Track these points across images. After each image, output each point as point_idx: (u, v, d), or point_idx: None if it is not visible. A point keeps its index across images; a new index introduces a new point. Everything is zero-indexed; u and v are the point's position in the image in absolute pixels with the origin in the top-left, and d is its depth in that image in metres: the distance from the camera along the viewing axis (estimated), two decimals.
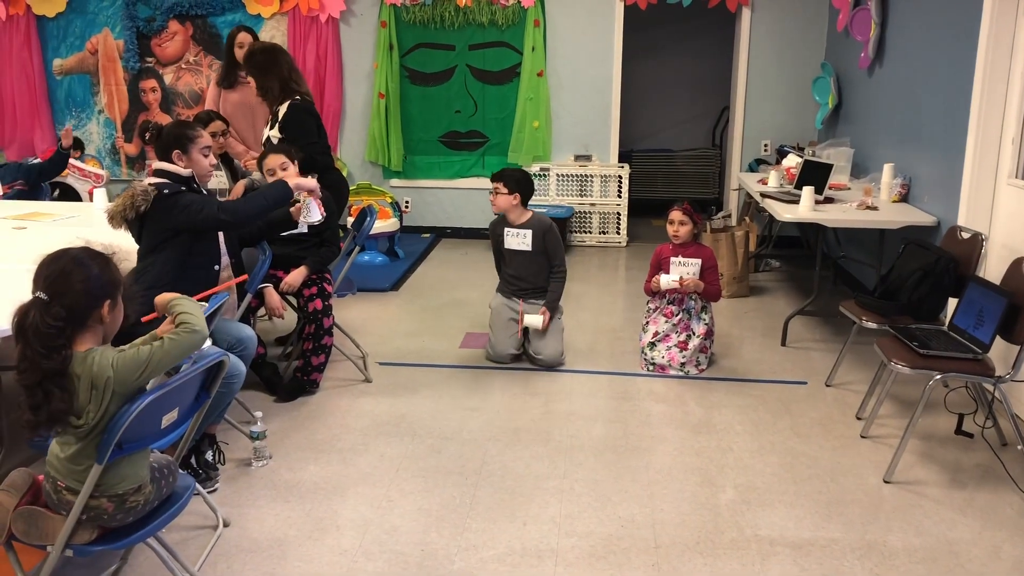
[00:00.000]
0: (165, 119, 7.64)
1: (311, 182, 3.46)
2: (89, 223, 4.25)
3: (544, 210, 7.03)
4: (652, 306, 4.62)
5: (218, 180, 4.95)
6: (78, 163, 7.11)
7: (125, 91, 7.67)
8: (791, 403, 4.08)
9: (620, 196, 7.43)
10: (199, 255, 3.23)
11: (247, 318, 3.82)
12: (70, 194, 5.98)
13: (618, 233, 7.49)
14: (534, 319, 4.44)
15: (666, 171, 9.03)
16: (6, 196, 5.04)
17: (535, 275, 4.57)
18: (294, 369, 4.16)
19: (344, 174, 7.43)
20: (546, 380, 4.36)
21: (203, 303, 2.38)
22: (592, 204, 7.45)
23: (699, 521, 3.04)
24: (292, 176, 3.92)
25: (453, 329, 5.15)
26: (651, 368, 4.48)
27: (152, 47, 7.59)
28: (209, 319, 2.81)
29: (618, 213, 7.45)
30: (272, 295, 3.99)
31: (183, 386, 2.12)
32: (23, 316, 1.94)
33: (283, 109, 4.53)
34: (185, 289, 3.18)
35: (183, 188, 3.18)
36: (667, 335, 4.49)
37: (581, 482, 3.31)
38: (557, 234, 4.59)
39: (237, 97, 5.35)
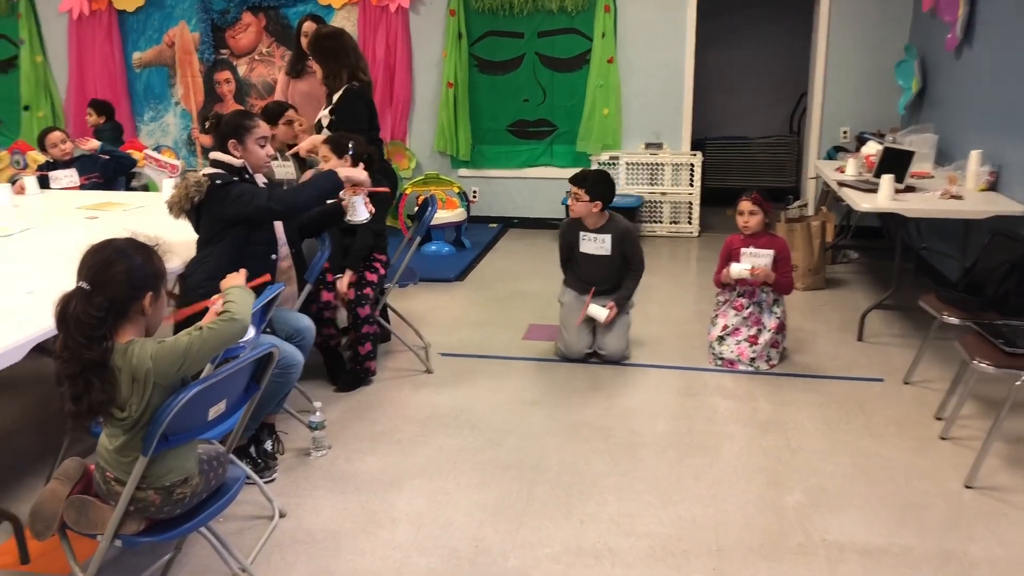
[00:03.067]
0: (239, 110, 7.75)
1: (361, 174, 3.41)
2: (157, 212, 4.31)
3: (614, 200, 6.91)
4: (722, 299, 4.47)
5: (286, 170, 4.98)
6: (154, 154, 7.26)
7: (200, 83, 7.81)
8: (866, 401, 3.90)
9: (692, 185, 7.25)
10: (256, 244, 3.23)
11: (307, 308, 3.82)
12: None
13: (690, 223, 7.31)
14: (599, 311, 4.34)
15: (741, 159, 8.79)
16: (83, 187, 5.17)
17: (610, 278, 4.45)
18: (348, 360, 4.15)
19: (412, 164, 7.47)
20: (610, 374, 4.27)
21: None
22: (663, 193, 7.29)
23: (764, 523, 2.91)
24: (340, 166, 3.91)
25: (517, 320, 5.09)
26: (719, 363, 4.35)
27: (226, 39, 7.70)
28: (266, 308, 2.80)
29: (690, 203, 7.28)
30: (343, 286, 3.99)
31: (231, 378, 2.10)
32: (65, 305, 1.94)
33: (338, 94, 4.53)
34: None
35: (235, 179, 3.18)
36: (737, 329, 4.34)
37: (642, 480, 3.21)
38: (636, 235, 4.48)
39: (305, 87, 5.37)
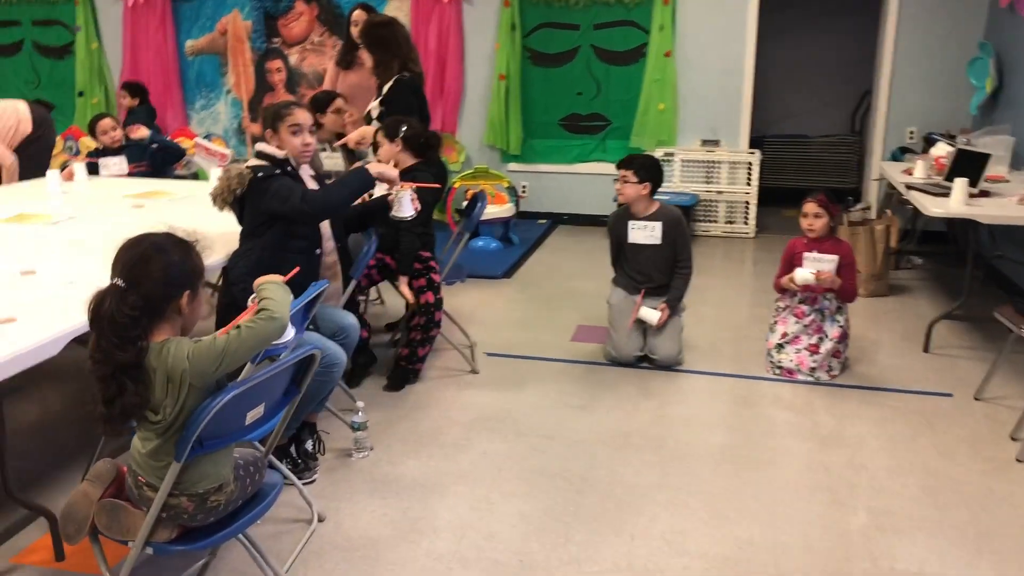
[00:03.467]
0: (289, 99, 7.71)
1: (391, 171, 3.28)
2: (203, 202, 4.24)
3: (667, 197, 6.73)
4: (781, 305, 4.28)
5: (334, 161, 4.91)
6: (204, 142, 7.24)
7: (252, 71, 7.78)
8: (934, 417, 3.69)
9: (749, 184, 7.03)
10: (299, 239, 3.13)
11: (353, 304, 3.72)
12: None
13: (746, 223, 7.10)
14: (650, 313, 4.18)
15: (800, 158, 8.53)
16: (131, 175, 5.13)
17: (662, 271, 4.28)
18: (398, 358, 4.04)
19: (461, 158, 7.35)
20: (662, 380, 4.11)
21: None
22: (719, 192, 7.08)
23: (827, 547, 2.74)
24: (392, 152, 3.81)
25: (565, 321, 4.94)
26: (778, 372, 4.16)
27: (279, 27, 7.66)
28: (308, 307, 2.70)
29: (746, 202, 7.06)
30: (405, 288, 3.89)
31: (270, 381, 1.99)
32: (99, 304, 1.84)
33: (389, 84, 4.44)
34: (287, 273, 3.12)
35: (277, 171, 3.08)
36: (797, 337, 4.15)
37: (696, 495, 3.05)
38: (686, 227, 4.33)
39: (355, 78, 5.29)
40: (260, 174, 3.06)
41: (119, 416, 1.82)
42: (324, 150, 4.89)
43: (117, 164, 5.09)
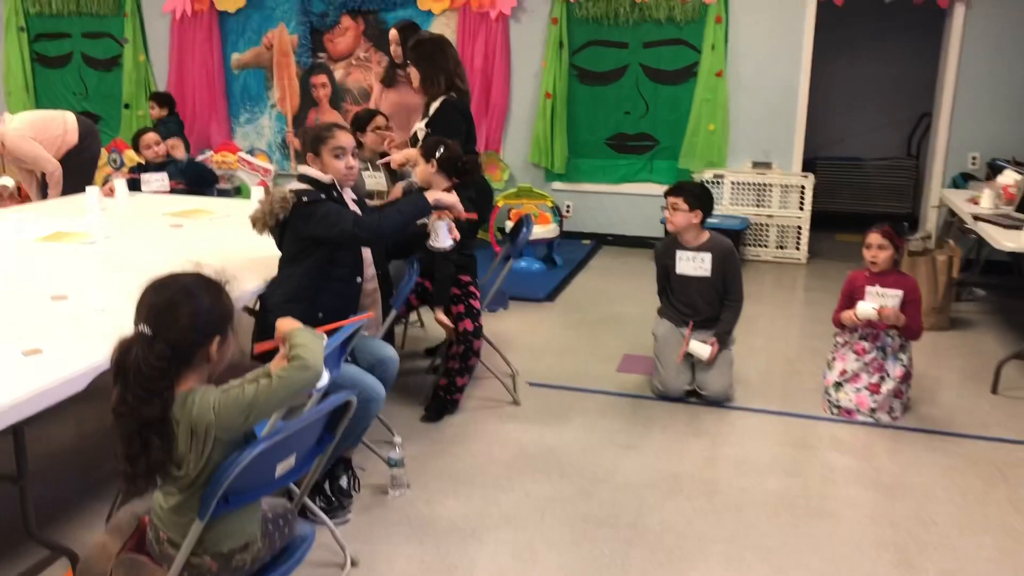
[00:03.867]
0: (333, 115, 7.65)
1: (450, 197, 3.13)
2: (244, 222, 4.15)
3: (716, 221, 6.54)
4: (840, 340, 4.07)
5: (376, 180, 4.79)
6: (248, 157, 7.20)
7: (297, 86, 7.73)
8: (1008, 468, 3.45)
9: (802, 208, 6.80)
10: (341, 266, 3.01)
11: (392, 333, 3.59)
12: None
13: (798, 248, 6.86)
14: (700, 348, 3.99)
15: (853, 182, 8.28)
16: (173, 191, 5.06)
17: (710, 303, 4.11)
18: (436, 387, 3.90)
19: (505, 176, 7.22)
20: (713, 417, 3.91)
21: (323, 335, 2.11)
22: (770, 216, 6.86)
23: None
24: (429, 173, 3.68)
25: (611, 349, 4.77)
26: (835, 411, 3.95)
27: (324, 42, 7.60)
28: (345, 343, 2.56)
29: (799, 227, 6.83)
30: (441, 317, 3.75)
31: (302, 431, 1.85)
32: (124, 354, 1.71)
33: (435, 104, 4.31)
34: (325, 302, 2.99)
35: (323, 196, 2.96)
36: (857, 375, 3.94)
37: (752, 549, 2.86)
38: (738, 259, 4.14)
39: (395, 96, 5.18)
40: (304, 199, 2.94)
41: (144, 474, 1.69)
42: (366, 169, 4.78)
43: (159, 181, 5.03)
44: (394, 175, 4.88)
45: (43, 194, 5.48)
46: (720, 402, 4.04)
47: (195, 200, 4.63)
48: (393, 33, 5.12)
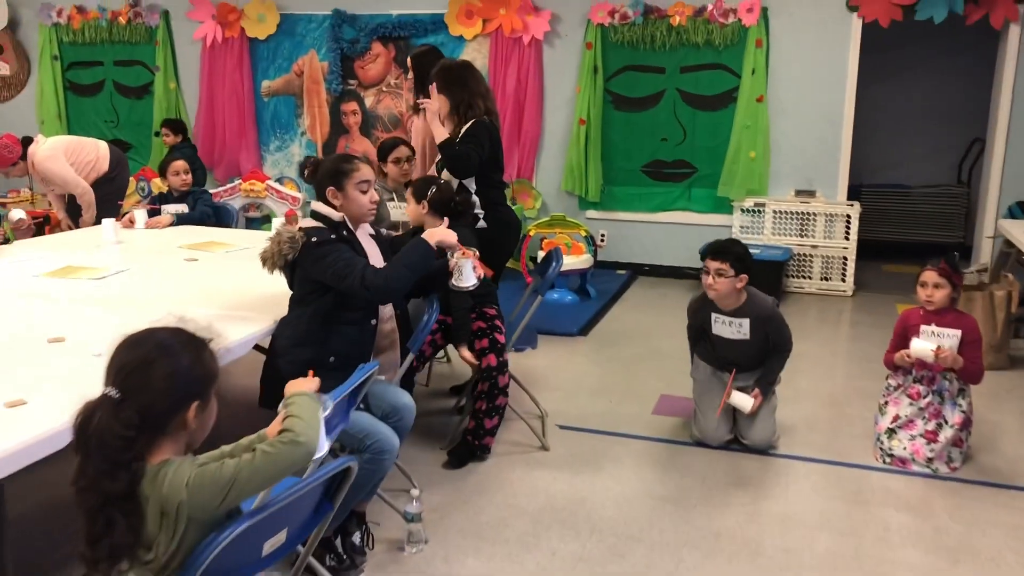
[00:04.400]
0: (364, 143, 7.53)
1: (449, 237, 2.90)
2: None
3: (758, 251, 6.28)
4: (893, 383, 3.79)
5: (401, 212, 4.61)
6: (277, 185, 7.09)
7: (327, 114, 7.62)
8: None
9: (847, 238, 6.51)
10: (353, 308, 2.81)
11: (409, 378, 3.38)
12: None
13: (843, 280, 6.57)
14: (743, 400, 3.71)
15: (900, 210, 7.97)
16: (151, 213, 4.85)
17: (752, 359, 3.82)
18: (463, 431, 3.68)
19: (538, 204, 7.03)
20: (755, 466, 3.65)
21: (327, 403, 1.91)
22: (814, 246, 6.58)
23: None
24: (419, 215, 3.49)
25: (646, 388, 4.52)
26: (888, 461, 3.66)
27: (355, 69, 7.50)
28: (355, 393, 2.36)
29: (844, 257, 6.54)
30: (466, 354, 3.55)
31: (293, 504, 1.65)
32: (86, 419, 1.51)
33: (466, 127, 4.12)
34: (336, 345, 2.79)
35: (333, 236, 2.77)
36: (911, 421, 3.65)
37: None
38: (782, 318, 3.78)
39: (420, 123, 5.01)
40: (314, 239, 2.75)
41: (107, 558, 1.48)
42: (391, 199, 4.61)
43: (180, 209, 4.89)
44: None
45: (74, 220, 5.42)
46: (763, 450, 3.77)
47: (213, 232, 4.48)
48: (410, 60, 4.93)
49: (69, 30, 8.10)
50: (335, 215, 2.84)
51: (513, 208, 6.82)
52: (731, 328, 3.74)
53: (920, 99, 8.11)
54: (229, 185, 6.97)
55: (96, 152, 5.54)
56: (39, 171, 5.32)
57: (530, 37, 6.92)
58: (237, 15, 7.54)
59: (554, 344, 5.26)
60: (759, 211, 6.62)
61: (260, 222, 7.32)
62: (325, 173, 2.88)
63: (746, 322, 3.71)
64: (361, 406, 2.75)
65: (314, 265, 2.75)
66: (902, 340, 3.73)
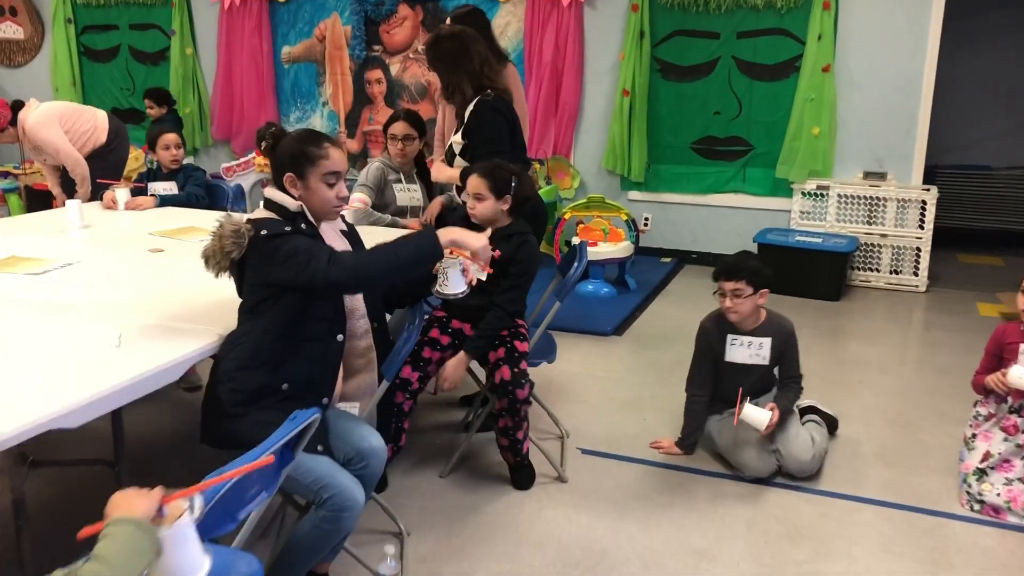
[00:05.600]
0: (388, 115, 6.96)
1: (477, 240, 2.31)
2: None
3: (819, 240, 5.61)
4: (983, 412, 3.14)
5: (410, 195, 4.07)
6: None
7: (350, 82, 7.07)
8: None
9: (922, 227, 5.78)
10: (316, 320, 2.27)
11: (387, 409, 2.82)
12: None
13: (916, 274, 5.85)
14: (758, 415, 3.10)
15: (980, 193, 7.18)
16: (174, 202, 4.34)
17: (761, 390, 3.29)
18: (504, 449, 3.11)
19: (575, 184, 6.42)
20: (812, 510, 3.03)
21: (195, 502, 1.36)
22: (883, 235, 5.86)
23: None
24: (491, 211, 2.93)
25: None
26: (978, 508, 3.02)
27: (380, 34, 6.92)
28: (296, 440, 1.81)
29: (918, 248, 5.82)
30: (454, 368, 2.99)
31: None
32: None
33: (470, 108, 3.53)
34: (293, 369, 2.23)
35: (287, 229, 2.22)
36: (1007, 461, 3.01)
37: None
38: (797, 340, 3.27)
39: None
40: (264, 232, 2.20)
41: None
42: (399, 181, 4.06)
43: (167, 189, 4.38)
44: (430, 188, 4.16)
45: (70, 196, 4.96)
46: (803, 476, 3.17)
47: (195, 216, 3.96)
48: (449, 22, 4.37)
49: None
50: (291, 204, 2.28)
51: (547, 188, 6.28)
52: (749, 351, 3.20)
53: (1005, 71, 7.26)
54: (243, 159, 6.47)
55: (94, 121, 5.09)
56: (30, 138, 4.88)
57: None
58: None
59: (584, 345, 4.67)
60: (822, 195, 5.92)
61: None
62: (285, 154, 2.32)
63: (767, 342, 3.18)
64: (320, 449, 2.21)
65: (265, 264, 2.20)
66: (996, 361, 3.10)
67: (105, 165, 5.04)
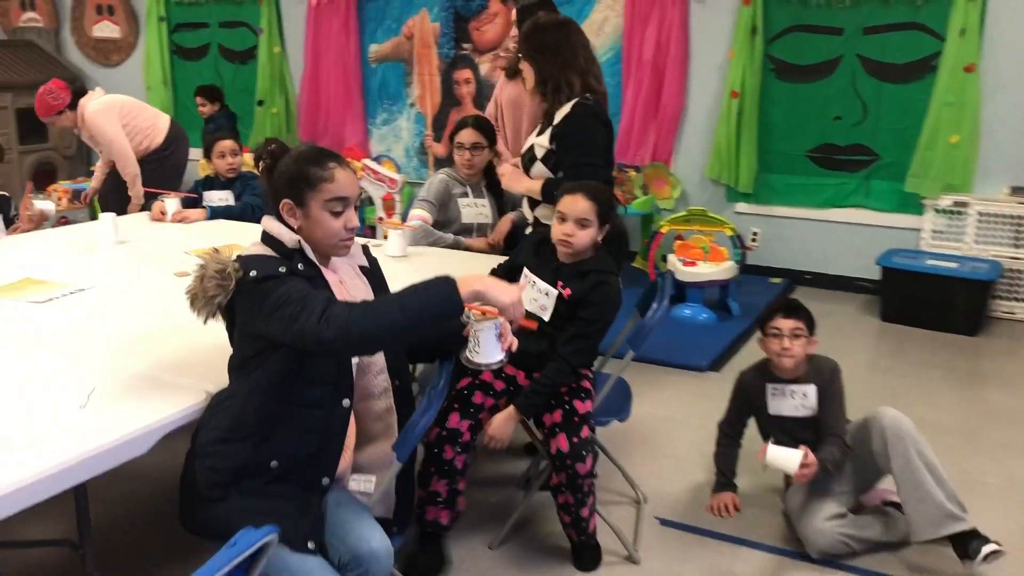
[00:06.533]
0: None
1: (507, 294, 1.82)
2: None
3: (955, 266, 4.89)
4: None
5: (477, 211, 3.63)
6: (373, 165, 6.24)
7: (438, 82, 6.66)
8: None
9: None
10: (314, 382, 1.84)
11: (437, 466, 2.37)
12: None
13: None
14: (787, 457, 2.54)
15: None
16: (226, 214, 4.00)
17: (807, 440, 2.72)
18: (566, 526, 2.64)
19: (676, 194, 5.86)
20: None
21: None
22: None
23: None
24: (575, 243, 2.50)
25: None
26: None
27: (470, 31, 6.51)
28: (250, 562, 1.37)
29: None
30: (500, 426, 2.53)
31: None
32: None
33: (564, 110, 3.04)
34: (285, 442, 1.77)
35: (282, 269, 1.79)
36: None
37: None
38: (841, 385, 2.80)
39: (512, 90, 4.02)
40: (253, 273, 1.79)
41: None
42: (466, 195, 3.61)
43: (222, 200, 4.07)
44: (501, 203, 3.70)
45: (117, 204, 4.73)
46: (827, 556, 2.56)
47: (240, 231, 3.60)
48: (515, 15, 3.97)
49: None
50: (288, 238, 1.86)
51: (643, 198, 5.73)
52: (793, 401, 2.78)
53: None
54: None
55: (155, 121, 4.95)
56: (87, 125, 4.77)
57: None
58: None
59: (673, 382, 4.12)
60: (960, 213, 5.17)
61: (362, 207, 6.53)
62: (282, 177, 1.90)
63: (811, 390, 2.75)
64: (310, 545, 1.77)
65: (254, 312, 1.79)
66: None
67: (159, 170, 4.86)
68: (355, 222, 1.92)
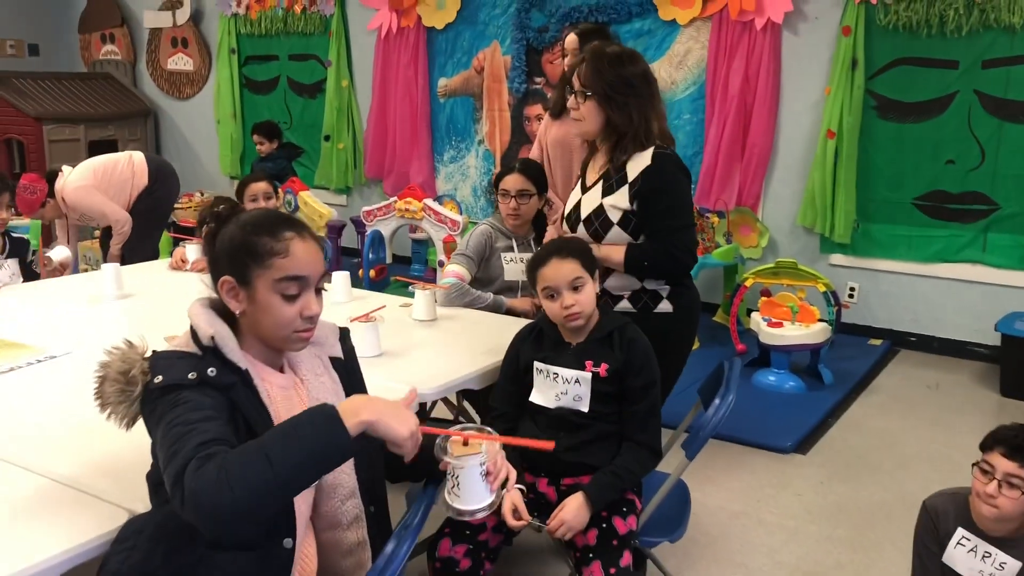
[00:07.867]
0: None
1: (407, 423, 1.33)
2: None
3: None
4: None
5: (521, 268, 3.18)
6: (434, 205, 5.87)
7: (508, 118, 6.29)
8: None
9: None
10: None
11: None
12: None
13: None
14: None
15: None
16: None
17: None
18: None
19: (763, 242, 5.31)
20: None
21: None
22: None
23: None
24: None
25: (903, 566, 2.75)
26: None
27: (542, 64, 6.11)
28: None
29: None
30: (575, 515, 2.05)
31: None
32: None
33: (641, 162, 2.53)
34: None
35: (191, 376, 1.37)
36: None
37: None
38: None
39: (558, 131, 3.58)
40: (158, 379, 1.37)
41: None
42: (510, 250, 3.17)
43: None
44: None
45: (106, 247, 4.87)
46: None
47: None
48: (572, 39, 3.55)
49: (247, 21, 7.36)
50: (204, 331, 1.44)
51: (727, 247, 5.19)
52: (981, 564, 1.97)
53: None
54: (383, 203, 5.83)
55: (130, 167, 4.86)
56: (72, 208, 4.70)
57: (765, 20, 5.18)
58: (414, 0, 6.40)
59: (750, 464, 3.56)
60: None
61: (426, 247, 6.19)
62: (224, 246, 1.50)
63: (1016, 566, 1.93)
64: None
65: (153, 431, 1.38)
66: None
67: (146, 208, 4.86)
68: (314, 308, 1.49)
